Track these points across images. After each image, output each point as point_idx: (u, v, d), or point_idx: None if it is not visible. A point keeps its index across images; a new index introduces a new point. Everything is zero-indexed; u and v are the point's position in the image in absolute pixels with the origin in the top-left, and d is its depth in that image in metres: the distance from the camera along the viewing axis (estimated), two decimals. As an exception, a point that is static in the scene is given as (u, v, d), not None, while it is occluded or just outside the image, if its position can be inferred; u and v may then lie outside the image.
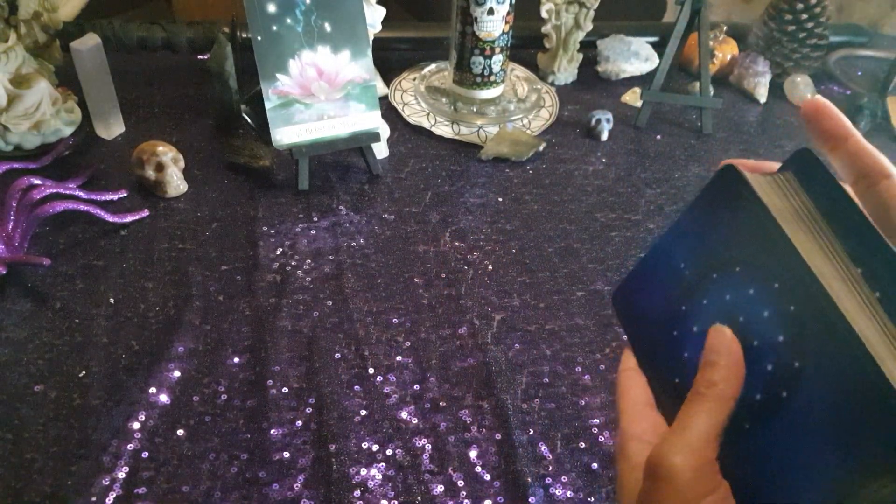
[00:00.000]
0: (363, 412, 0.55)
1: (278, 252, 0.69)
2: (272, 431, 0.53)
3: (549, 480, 0.51)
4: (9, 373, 0.55)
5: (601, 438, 0.54)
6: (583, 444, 0.54)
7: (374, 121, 0.77)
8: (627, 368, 0.35)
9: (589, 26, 0.97)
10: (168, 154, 0.73)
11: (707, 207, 0.31)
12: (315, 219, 0.73)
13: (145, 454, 0.50)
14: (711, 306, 0.30)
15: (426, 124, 0.88)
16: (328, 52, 0.73)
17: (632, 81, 1.03)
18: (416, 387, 0.57)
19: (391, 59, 1.00)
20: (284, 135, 0.73)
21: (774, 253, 0.27)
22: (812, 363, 0.25)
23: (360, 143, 0.77)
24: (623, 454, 0.32)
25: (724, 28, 1.06)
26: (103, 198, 0.70)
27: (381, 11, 0.86)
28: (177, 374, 0.56)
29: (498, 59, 0.87)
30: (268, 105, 0.72)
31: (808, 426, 0.25)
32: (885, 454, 0.23)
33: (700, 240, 0.31)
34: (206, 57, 0.90)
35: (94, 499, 0.47)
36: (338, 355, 0.59)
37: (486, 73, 0.88)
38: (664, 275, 0.33)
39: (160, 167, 0.72)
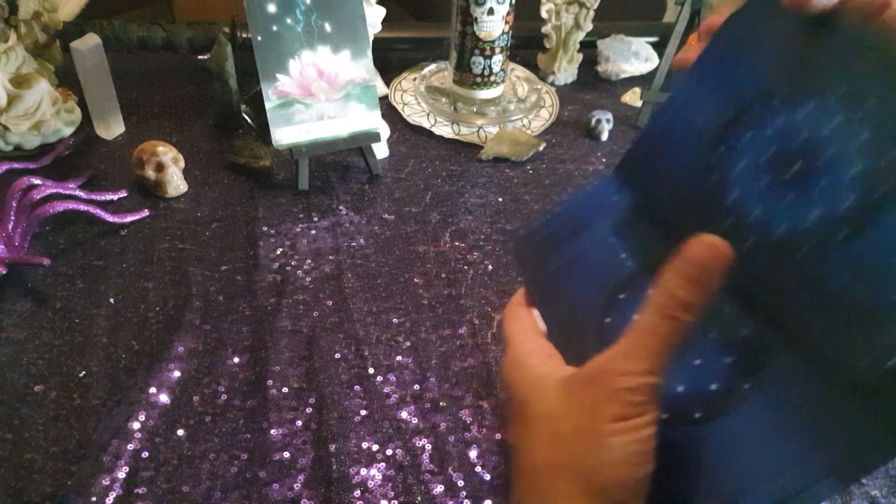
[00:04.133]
0: (363, 412, 0.55)
1: (278, 252, 0.69)
2: (272, 431, 0.53)
3: (549, 480, 0.51)
4: (9, 373, 0.55)
5: (601, 438, 0.54)
6: (583, 444, 0.54)
7: (374, 121, 0.77)
8: (517, 304, 0.36)
9: (589, 26, 0.97)
10: (168, 154, 0.73)
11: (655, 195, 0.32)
12: (315, 219, 0.73)
13: (145, 454, 0.50)
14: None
15: (426, 124, 0.88)
16: (328, 52, 0.73)
17: (632, 81, 1.03)
18: (416, 387, 0.57)
19: (391, 59, 1.00)
20: (284, 135, 0.73)
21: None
22: (772, 385, 0.26)
23: (360, 143, 0.77)
24: (522, 367, 0.32)
25: (724, 28, 1.06)
26: (103, 198, 0.70)
27: (381, 11, 0.86)
28: (177, 374, 0.56)
29: (498, 59, 0.87)
30: (268, 105, 0.72)
31: (767, 422, 0.26)
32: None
33: (647, 231, 0.32)
34: (206, 57, 0.90)
35: (94, 499, 0.47)
36: (338, 355, 0.59)
37: (486, 73, 0.88)
38: (599, 260, 0.33)
39: (160, 167, 0.72)
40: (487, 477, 0.51)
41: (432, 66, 0.99)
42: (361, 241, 0.71)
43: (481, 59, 0.86)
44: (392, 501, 0.49)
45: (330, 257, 0.69)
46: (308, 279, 0.66)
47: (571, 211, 0.35)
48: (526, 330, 0.34)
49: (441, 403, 0.56)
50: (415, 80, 0.96)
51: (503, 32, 0.85)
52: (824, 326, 0.26)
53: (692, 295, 0.26)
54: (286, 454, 0.51)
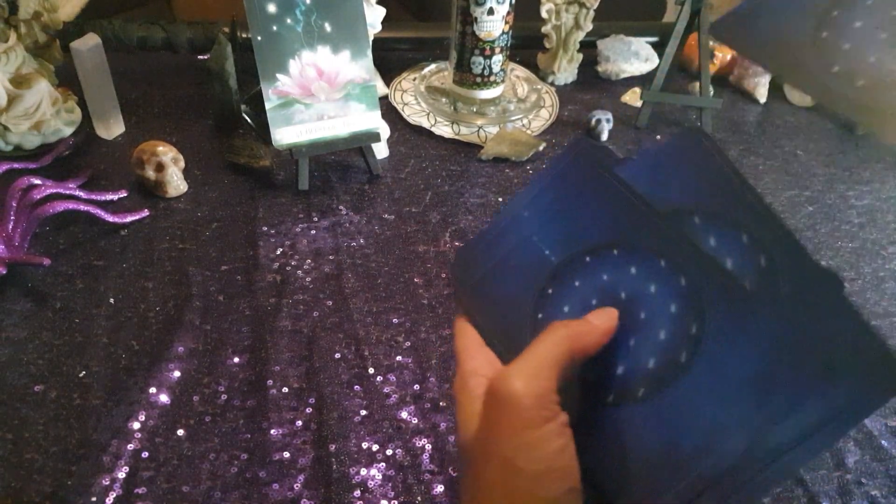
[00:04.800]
0: (363, 412, 0.55)
1: (278, 252, 0.69)
2: (272, 431, 0.53)
3: (549, 480, 0.51)
4: (9, 373, 0.55)
5: (601, 438, 0.54)
6: (583, 444, 0.54)
7: (374, 121, 0.77)
8: (462, 317, 0.36)
9: (589, 26, 0.97)
10: (168, 154, 0.73)
11: (572, 192, 0.33)
12: (315, 219, 0.73)
13: (145, 454, 0.50)
14: (585, 286, 0.31)
15: (426, 124, 0.88)
16: (328, 52, 0.73)
17: (632, 81, 1.03)
18: (416, 387, 0.57)
19: (391, 59, 1.00)
20: (284, 135, 0.73)
21: (659, 228, 0.29)
22: (713, 325, 0.27)
23: (360, 143, 0.77)
24: (464, 388, 0.32)
25: (724, 28, 1.06)
26: (103, 198, 0.70)
27: (381, 11, 0.86)
28: (177, 374, 0.56)
29: (498, 59, 0.87)
30: (268, 105, 0.72)
31: (716, 381, 0.26)
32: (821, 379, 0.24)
33: (566, 226, 0.33)
34: (206, 57, 0.90)
35: (94, 499, 0.47)
36: (338, 355, 0.59)
37: (486, 73, 0.88)
38: (524, 260, 0.34)
39: (160, 167, 0.72)
40: (487, 477, 0.51)
41: (432, 66, 0.99)
42: (361, 241, 0.71)
43: (481, 59, 0.86)
44: (392, 501, 0.49)
45: (330, 257, 0.69)
46: (308, 279, 0.66)
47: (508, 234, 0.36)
48: (471, 344, 0.34)
49: (441, 403, 0.56)
50: (415, 80, 0.96)
51: (503, 32, 0.85)
52: (621, 475, 0.28)
53: (572, 321, 0.30)
54: (286, 454, 0.51)
